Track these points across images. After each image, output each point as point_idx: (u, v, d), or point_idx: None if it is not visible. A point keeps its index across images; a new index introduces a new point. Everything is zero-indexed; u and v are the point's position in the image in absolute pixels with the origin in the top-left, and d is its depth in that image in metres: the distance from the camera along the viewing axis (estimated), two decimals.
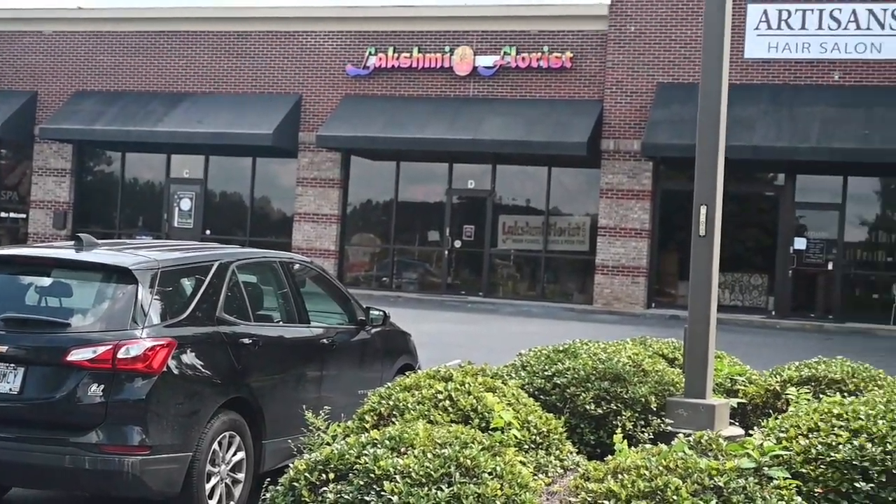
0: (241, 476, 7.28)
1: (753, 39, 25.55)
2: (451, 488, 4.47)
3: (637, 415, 7.14)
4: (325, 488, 4.67)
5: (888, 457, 5.52)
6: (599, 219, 26.75)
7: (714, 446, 5.41)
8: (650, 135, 25.39)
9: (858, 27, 24.96)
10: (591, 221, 27.57)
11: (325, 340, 8.81)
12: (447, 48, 27.86)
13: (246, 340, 7.58)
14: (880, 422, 5.78)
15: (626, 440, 5.80)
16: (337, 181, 28.96)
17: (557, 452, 6.25)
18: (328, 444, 5.43)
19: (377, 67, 28.45)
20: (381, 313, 9.73)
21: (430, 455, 4.69)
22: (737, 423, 7.53)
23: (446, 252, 28.56)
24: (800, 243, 25.60)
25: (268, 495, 5.05)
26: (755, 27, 25.52)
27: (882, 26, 24.81)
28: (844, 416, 5.92)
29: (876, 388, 7.53)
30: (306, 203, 29.14)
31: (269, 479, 5.76)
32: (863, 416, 5.86)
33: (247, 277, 8.16)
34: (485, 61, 27.64)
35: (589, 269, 27.17)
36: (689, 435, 5.61)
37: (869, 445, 5.57)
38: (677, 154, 24.25)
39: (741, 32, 25.10)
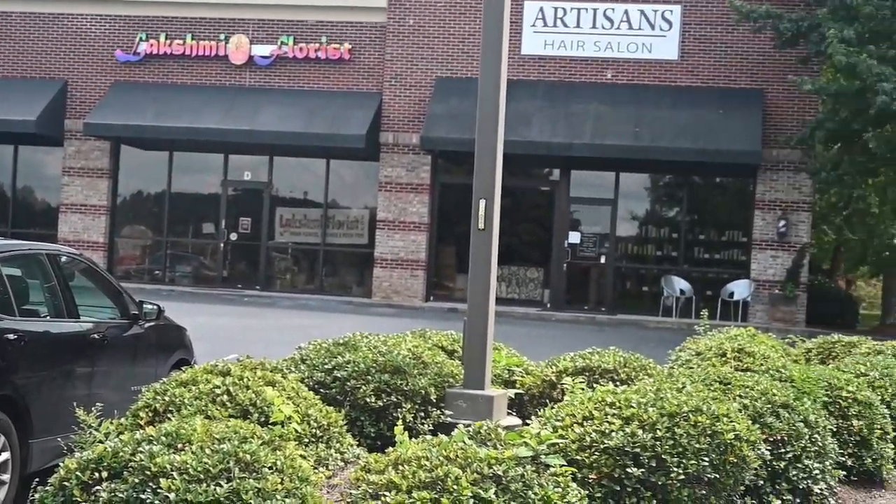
0: (5, 477, 7.01)
1: (530, 36, 26.28)
2: (230, 484, 4.43)
3: (417, 407, 7.23)
4: (98, 487, 4.54)
5: (658, 443, 5.83)
6: (378, 212, 26.95)
7: (493, 436, 5.55)
8: (429, 129, 25.75)
9: (631, 27, 26.04)
10: (370, 215, 27.75)
11: (95, 335, 8.56)
12: (222, 36, 27.41)
13: (10, 336, 7.31)
14: (651, 409, 6.09)
15: (406, 432, 5.86)
16: (106, 171, 28.07)
17: (338, 445, 6.29)
18: (101, 441, 5.28)
19: (148, 54, 27.70)
20: (155, 307, 9.51)
21: (208, 451, 4.63)
22: (515, 413, 7.74)
23: (222, 245, 28.15)
24: (574, 237, 26.52)
25: (36, 496, 4.87)
26: (532, 24, 26.24)
27: (653, 27, 25.98)
28: (617, 404, 6.20)
29: (646, 377, 7.91)
30: (73, 193, 28.09)
31: (37, 480, 5.55)
32: (634, 405, 6.16)
33: (10, 270, 7.83)
34: (261, 50, 27.36)
35: (368, 263, 27.34)
36: (469, 425, 5.74)
37: (640, 432, 5.86)
38: (456, 148, 24.68)
39: (518, 29, 25.75)
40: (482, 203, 7.30)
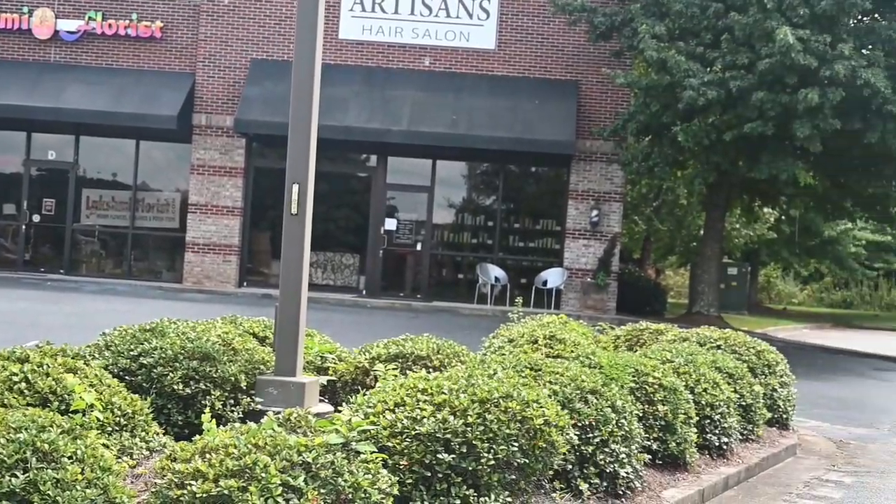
0: None
1: (348, 20, 26.24)
2: (26, 475, 4.28)
3: (227, 394, 7.14)
4: None
5: (468, 429, 5.91)
6: (190, 195, 26.52)
7: (303, 423, 5.53)
8: (243, 111, 25.47)
9: (449, 15, 26.31)
10: (182, 198, 27.29)
11: None
12: (25, 9, 26.38)
13: None
14: (462, 396, 6.17)
15: (215, 420, 5.78)
16: None
17: (143, 434, 6.16)
18: None
19: None
20: None
21: (3, 440, 4.46)
22: (327, 401, 7.73)
23: (23, 226, 27.12)
24: (391, 224, 26.67)
25: None
26: (350, 9, 26.20)
27: (471, 16, 26.32)
28: (429, 390, 6.26)
29: (459, 364, 8.02)
30: None
31: None
32: (446, 391, 6.23)
33: None
34: (67, 25, 26.49)
35: (179, 247, 26.87)
36: (279, 412, 5.71)
37: (451, 418, 5.93)
38: (270, 132, 24.44)
39: (336, 13, 25.71)
40: (295, 188, 7.24)
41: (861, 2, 21.11)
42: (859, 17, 22.78)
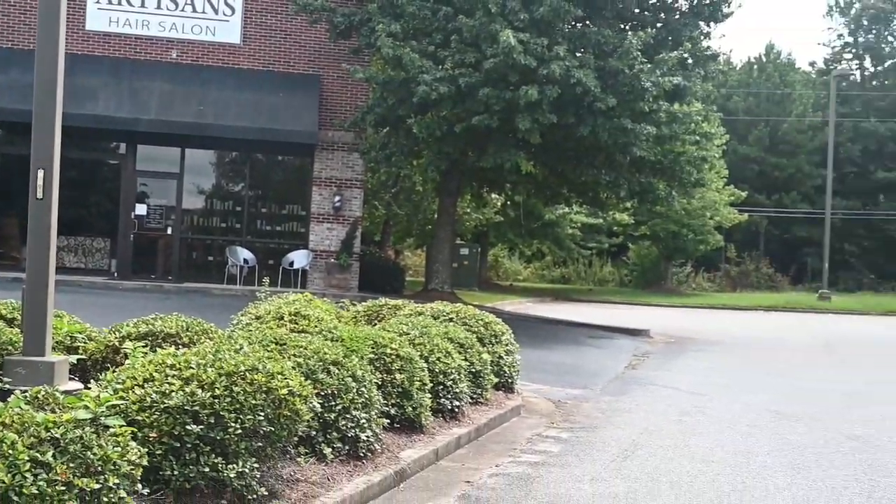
0: None
1: (95, 12, 25.31)
2: None
3: None
4: None
5: (216, 401, 5.85)
6: None
7: (51, 400, 5.31)
8: None
9: (195, 10, 25.79)
10: None
11: None
12: None
13: None
14: (209, 370, 6.09)
15: None
16: None
17: None
18: None
19: None
20: None
21: None
22: (77, 379, 7.45)
23: None
24: (141, 209, 25.95)
25: None
26: (97, 1, 25.21)
27: (216, 11, 25.87)
28: (177, 366, 6.16)
29: (207, 340, 7.89)
30: None
31: None
32: (194, 366, 6.14)
33: None
34: None
35: None
36: (27, 391, 5.47)
37: (199, 392, 5.86)
38: (18, 119, 23.08)
39: (83, 4, 24.84)
40: (40, 173, 6.98)
41: (573, 10, 22.07)
42: (573, 23, 23.70)
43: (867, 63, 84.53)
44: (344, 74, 25.49)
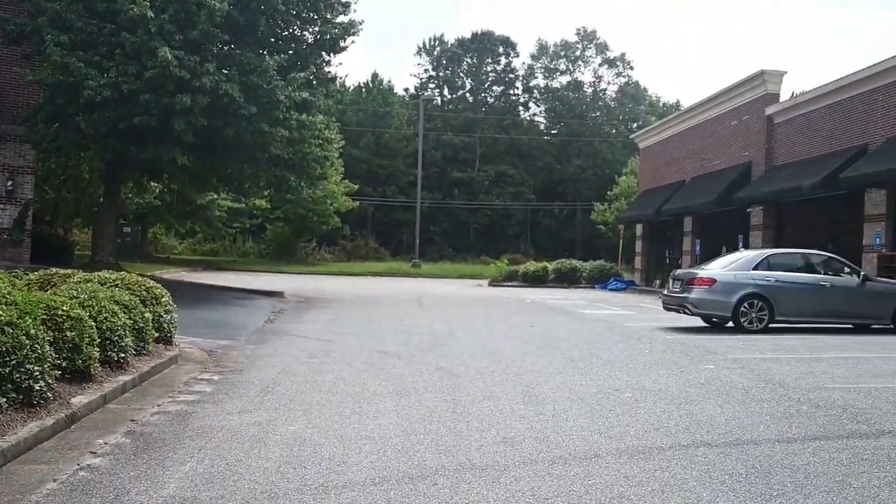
0: None
1: None
2: None
3: None
4: None
5: None
6: None
7: None
8: None
9: None
10: None
11: None
12: None
13: None
14: None
15: None
16: None
17: None
18: None
19: None
20: None
21: None
22: None
23: None
24: None
25: None
26: None
27: None
28: None
29: None
30: None
31: None
32: None
33: None
34: None
35: None
36: None
37: None
38: None
39: None
40: None
41: (221, 35, 21.57)
42: (221, 45, 23.00)
43: (446, 91, 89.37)
44: (16, 77, 23.08)
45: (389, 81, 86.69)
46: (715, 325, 17.87)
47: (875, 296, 17.59)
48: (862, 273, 17.96)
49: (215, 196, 45.57)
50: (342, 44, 25.26)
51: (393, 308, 22.58)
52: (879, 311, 17.61)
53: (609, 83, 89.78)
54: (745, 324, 16.86)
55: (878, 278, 19.06)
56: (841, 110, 26.41)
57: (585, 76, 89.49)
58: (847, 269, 17.92)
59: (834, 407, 8.42)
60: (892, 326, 17.56)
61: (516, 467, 5.89)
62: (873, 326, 17.85)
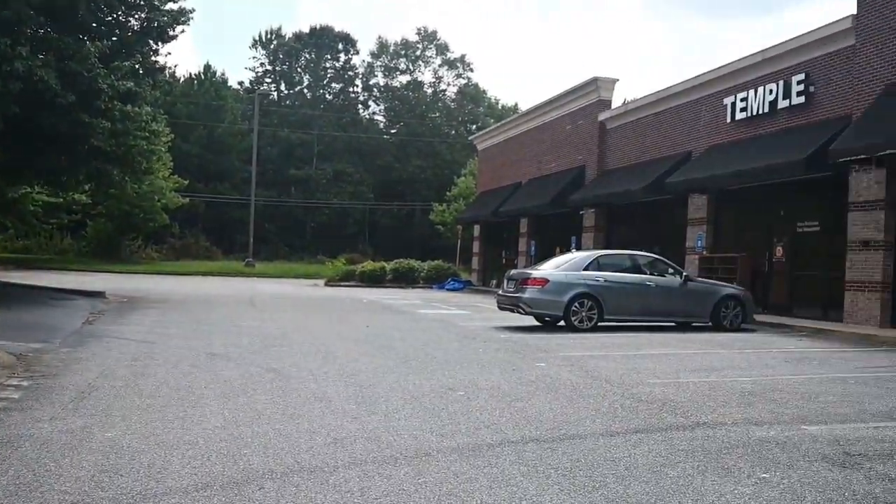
0: None
1: None
2: None
3: None
4: None
5: None
6: None
7: None
8: None
9: None
10: None
11: None
12: None
13: None
14: None
15: None
16: None
17: None
18: None
19: None
20: None
21: None
22: None
23: None
24: None
25: None
26: None
27: None
28: None
29: None
30: None
31: None
32: None
33: None
34: None
35: None
36: None
37: None
38: None
39: None
40: None
41: (36, 17, 20.34)
42: (36, 29, 21.69)
43: (283, 87, 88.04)
44: None
45: (223, 74, 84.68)
46: (548, 324, 18.50)
47: (696, 295, 18.73)
48: (684, 274, 19.07)
49: (29, 189, 42.99)
50: (171, 32, 24.41)
51: (224, 309, 22.05)
52: (699, 310, 18.76)
53: (449, 84, 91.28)
54: (576, 322, 17.55)
55: (699, 279, 20.31)
56: (668, 118, 27.96)
57: (426, 76, 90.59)
58: (671, 270, 18.99)
59: (655, 401, 8.89)
60: (710, 324, 18.75)
61: (346, 468, 5.89)
62: (694, 324, 19.00)
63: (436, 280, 41.81)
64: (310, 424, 7.33)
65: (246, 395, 8.77)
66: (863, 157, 17.88)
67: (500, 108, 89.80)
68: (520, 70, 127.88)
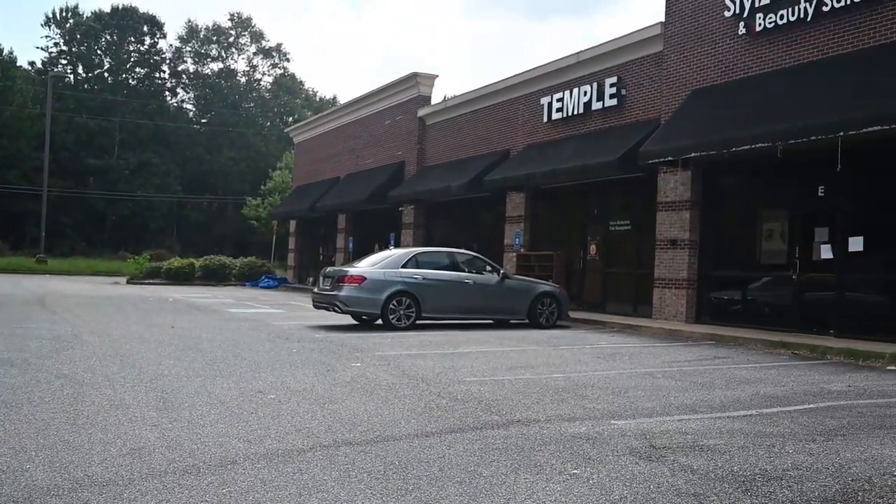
0: None
1: None
2: None
3: None
4: None
5: None
6: None
7: None
8: None
9: None
10: None
11: None
12: None
13: None
14: None
15: None
16: None
17: None
18: None
19: None
20: None
21: None
22: None
23: None
24: None
25: None
26: None
27: None
28: None
29: None
30: None
31: None
32: None
33: None
34: None
35: None
36: None
37: None
38: None
39: None
40: None
41: None
42: None
43: (80, 69, 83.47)
44: None
45: (12, 53, 79.44)
46: (365, 323, 18.48)
47: (513, 292, 19.26)
48: (501, 271, 19.56)
49: None
50: None
51: (9, 309, 20.61)
52: (517, 307, 19.30)
53: (264, 73, 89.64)
54: (394, 321, 17.62)
55: (516, 276, 20.90)
56: (487, 116, 28.62)
57: (239, 64, 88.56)
58: (489, 268, 19.43)
59: (471, 400, 9.03)
60: (527, 321, 19.33)
61: (143, 480, 5.59)
62: (512, 321, 19.53)
63: (249, 277, 40.92)
64: (104, 434, 6.93)
65: (31, 405, 8.20)
66: (670, 159, 18.97)
67: (318, 100, 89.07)
68: (339, 63, 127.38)
